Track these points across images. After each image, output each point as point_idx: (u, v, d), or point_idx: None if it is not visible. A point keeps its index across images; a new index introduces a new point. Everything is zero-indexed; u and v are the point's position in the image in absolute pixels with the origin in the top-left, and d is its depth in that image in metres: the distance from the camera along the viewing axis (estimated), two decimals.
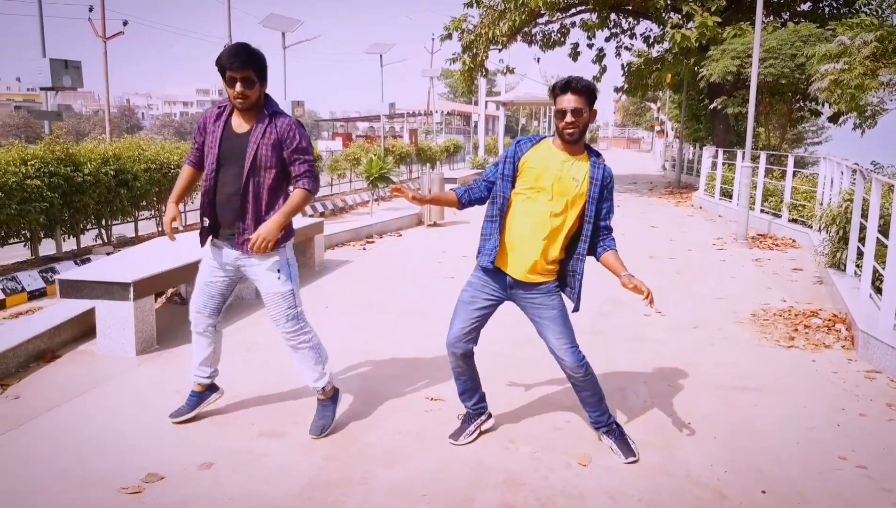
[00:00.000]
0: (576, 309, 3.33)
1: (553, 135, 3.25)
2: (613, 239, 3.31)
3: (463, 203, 3.36)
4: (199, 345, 3.63)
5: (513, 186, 3.24)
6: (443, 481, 3.15)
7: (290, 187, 3.43)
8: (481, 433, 3.58)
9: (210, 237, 3.47)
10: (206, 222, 3.39)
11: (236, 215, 3.33)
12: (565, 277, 3.31)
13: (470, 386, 3.52)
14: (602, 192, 3.20)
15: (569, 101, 3.06)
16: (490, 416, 3.66)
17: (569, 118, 3.07)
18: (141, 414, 3.80)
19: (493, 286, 3.30)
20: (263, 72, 3.24)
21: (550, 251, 3.20)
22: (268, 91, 3.38)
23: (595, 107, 3.16)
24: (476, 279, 3.34)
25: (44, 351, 4.66)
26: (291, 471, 3.20)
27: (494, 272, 3.27)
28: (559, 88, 3.10)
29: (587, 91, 3.08)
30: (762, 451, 3.49)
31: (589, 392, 3.37)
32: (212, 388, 3.76)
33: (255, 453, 3.37)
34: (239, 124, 3.32)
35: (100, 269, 5.19)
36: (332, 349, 3.68)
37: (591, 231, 3.22)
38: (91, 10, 21.90)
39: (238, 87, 3.15)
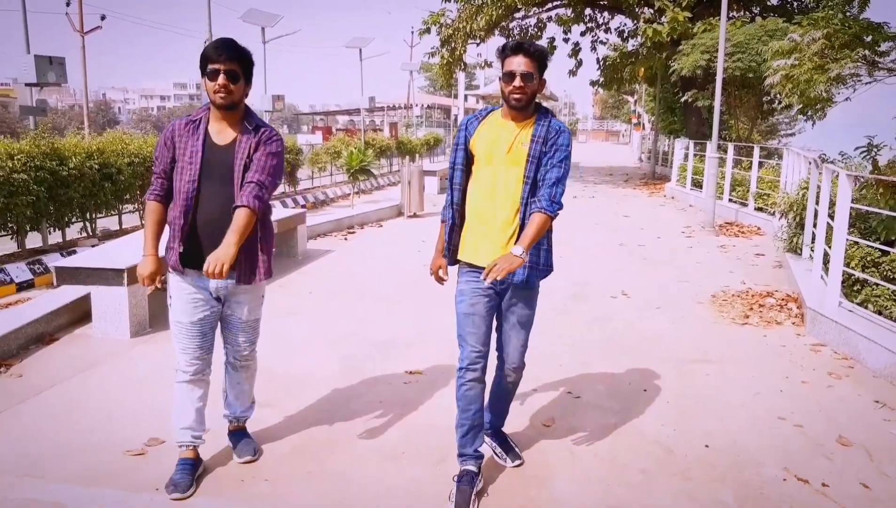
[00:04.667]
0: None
1: (501, 105, 2.96)
2: (548, 197, 2.79)
3: (451, 221, 3.00)
4: (195, 393, 3.09)
5: (468, 175, 2.99)
6: (420, 442, 3.47)
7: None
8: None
9: (182, 266, 2.96)
10: (182, 248, 2.92)
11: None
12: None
13: (479, 420, 3.06)
14: (543, 147, 2.83)
15: (519, 63, 2.77)
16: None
17: (517, 82, 2.77)
18: (139, 389, 4.07)
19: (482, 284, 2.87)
20: (250, 70, 2.93)
21: (515, 227, 2.86)
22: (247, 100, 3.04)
23: (545, 77, 2.88)
24: (464, 285, 2.98)
25: (42, 334, 4.90)
26: (283, 435, 3.51)
27: (471, 269, 2.95)
28: (510, 49, 2.80)
29: (539, 56, 2.81)
30: (709, 413, 3.85)
31: (510, 397, 3.29)
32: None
33: (250, 420, 3.66)
34: (219, 134, 2.93)
35: (94, 257, 5.43)
36: (315, 332, 3.94)
37: (530, 190, 2.84)
38: (69, 3, 21.84)
39: (221, 79, 2.81)
